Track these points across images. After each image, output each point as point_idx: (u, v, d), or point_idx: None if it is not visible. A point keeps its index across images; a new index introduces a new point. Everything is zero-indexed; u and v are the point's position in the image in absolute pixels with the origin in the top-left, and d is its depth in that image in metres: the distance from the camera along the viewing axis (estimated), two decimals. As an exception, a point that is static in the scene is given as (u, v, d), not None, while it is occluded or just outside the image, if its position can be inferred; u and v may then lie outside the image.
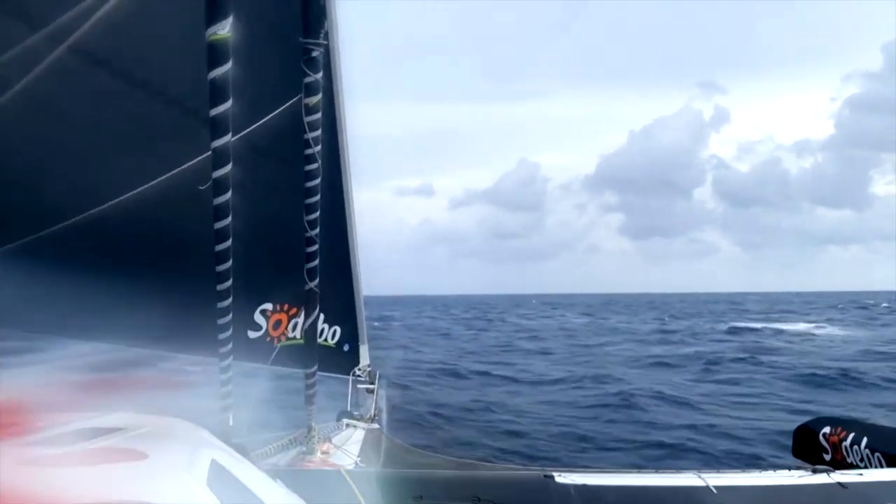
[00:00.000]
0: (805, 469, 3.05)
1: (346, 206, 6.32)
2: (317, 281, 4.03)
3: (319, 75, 3.52)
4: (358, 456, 4.73)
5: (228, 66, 2.86)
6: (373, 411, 6.70)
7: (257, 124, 4.58)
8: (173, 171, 4.48)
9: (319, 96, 3.58)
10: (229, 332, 3.74)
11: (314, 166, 3.74)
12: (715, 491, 2.68)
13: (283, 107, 4.53)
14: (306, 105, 3.54)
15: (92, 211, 4.37)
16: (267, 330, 5.95)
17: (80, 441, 1.48)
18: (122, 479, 1.29)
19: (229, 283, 3.55)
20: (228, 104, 2.96)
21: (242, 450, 2.35)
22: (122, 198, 4.41)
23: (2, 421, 1.61)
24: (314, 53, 3.42)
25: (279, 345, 6.00)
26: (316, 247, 3.95)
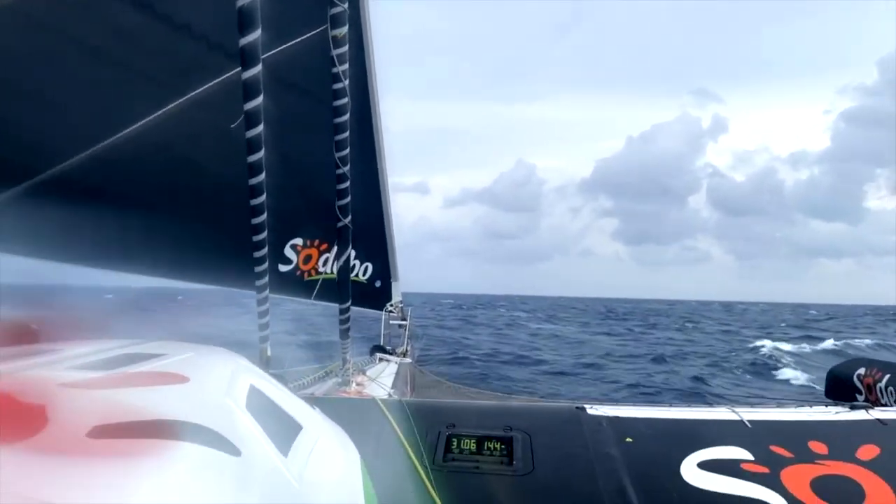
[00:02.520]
0: (842, 405, 2.94)
1: (376, 141, 6.29)
2: (349, 217, 4.04)
3: (346, 6, 3.41)
4: (391, 388, 4.85)
5: None
6: (405, 346, 6.86)
7: (278, 49, 4.45)
8: (189, 98, 4.41)
9: (346, 28, 3.48)
10: (265, 266, 3.80)
11: (343, 101, 3.68)
12: (749, 425, 2.64)
13: (306, 36, 4.44)
14: (334, 38, 3.45)
15: (114, 138, 4.32)
16: (297, 264, 6.06)
17: (122, 365, 1.53)
18: (165, 401, 1.34)
19: (264, 216, 3.57)
20: (258, 33, 2.89)
21: (281, 380, 2.41)
22: (143, 124, 4.35)
23: (42, 346, 1.68)
24: (340, -18, 3.32)
25: (319, 277, 6.11)
26: (347, 183, 3.93)
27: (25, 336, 1.74)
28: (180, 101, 4.36)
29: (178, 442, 1.14)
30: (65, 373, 1.43)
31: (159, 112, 4.33)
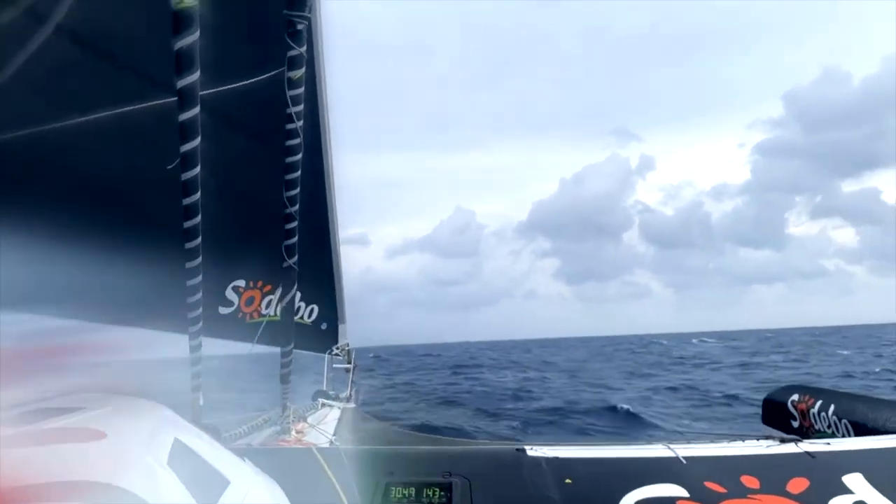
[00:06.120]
0: (773, 439, 3.07)
1: (326, 180, 6.19)
2: (295, 258, 3.96)
3: (303, 49, 3.42)
4: (333, 435, 4.72)
5: (196, 35, 2.69)
6: (349, 390, 6.69)
7: (224, 88, 4.36)
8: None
9: (303, 70, 3.48)
10: (199, 311, 3.65)
11: (296, 141, 3.64)
12: (684, 462, 2.72)
13: (257, 78, 4.37)
14: (289, 79, 3.43)
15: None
16: (239, 306, 5.83)
17: (35, 421, 1.43)
18: (79, 460, 1.25)
19: (199, 260, 3.44)
20: (196, 75, 2.80)
21: (213, 430, 2.30)
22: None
23: None
24: (299, 27, 3.32)
25: (262, 320, 5.88)
26: (295, 224, 3.86)
27: None
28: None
29: None
30: None
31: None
